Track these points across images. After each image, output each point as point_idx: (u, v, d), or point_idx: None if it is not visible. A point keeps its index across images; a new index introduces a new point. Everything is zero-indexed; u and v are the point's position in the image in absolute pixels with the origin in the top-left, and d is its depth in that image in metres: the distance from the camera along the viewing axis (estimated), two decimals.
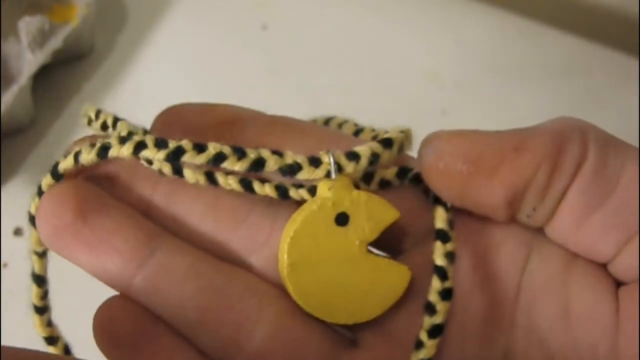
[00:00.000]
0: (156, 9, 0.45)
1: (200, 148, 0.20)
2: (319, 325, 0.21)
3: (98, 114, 0.22)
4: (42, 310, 0.23)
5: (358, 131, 0.25)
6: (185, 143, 0.20)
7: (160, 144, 0.20)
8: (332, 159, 0.20)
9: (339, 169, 0.20)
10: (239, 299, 0.20)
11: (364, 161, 0.20)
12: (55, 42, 0.39)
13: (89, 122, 0.22)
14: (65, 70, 0.42)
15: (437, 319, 0.20)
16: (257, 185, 0.21)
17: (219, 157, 0.20)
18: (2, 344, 0.35)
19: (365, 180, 0.21)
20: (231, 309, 0.20)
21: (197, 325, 0.20)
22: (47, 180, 0.21)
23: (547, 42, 0.44)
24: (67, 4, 0.42)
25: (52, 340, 0.23)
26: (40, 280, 0.23)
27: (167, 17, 0.45)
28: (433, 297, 0.20)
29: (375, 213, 0.21)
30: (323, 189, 0.21)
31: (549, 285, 0.21)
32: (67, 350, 0.24)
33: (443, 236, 0.20)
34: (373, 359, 0.21)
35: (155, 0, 0.46)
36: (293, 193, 0.21)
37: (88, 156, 0.20)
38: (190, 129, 0.22)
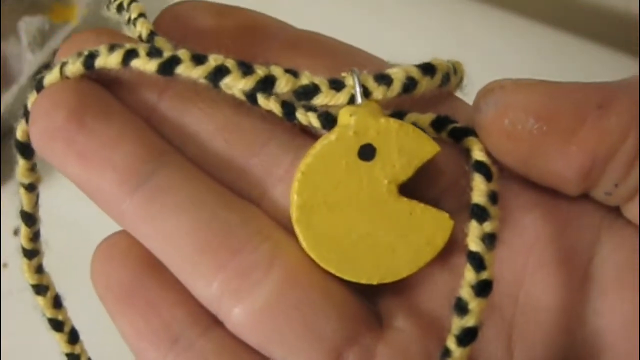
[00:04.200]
0: (156, 9, 0.45)
1: (199, 59, 0.17)
2: (339, 290, 0.18)
3: None
4: (31, 253, 0.21)
5: None
6: (182, 53, 0.17)
7: (153, 52, 0.17)
8: (357, 81, 0.17)
9: (366, 93, 0.17)
10: (247, 241, 0.17)
11: (396, 85, 0.17)
12: (55, 42, 0.40)
13: (108, 4, 0.20)
14: None
15: (470, 321, 0.16)
16: (261, 98, 0.17)
17: (220, 71, 0.17)
18: (2, 344, 0.35)
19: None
20: (236, 253, 0.17)
21: (193, 269, 0.17)
22: (32, 99, 0.18)
23: (547, 42, 0.44)
24: (67, 4, 0.42)
25: (41, 288, 0.21)
26: (29, 218, 0.20)
27: None
28: (466, 292, 0.16)
29: (408, 146, 0.17)
30: (344, 115, 0.17)
31: (623, 279, 0.17)
32: (57, 301, 0.21)
33: (480, 214, 0.16)
34: (399, 347, 0.17)
35: (156, 1, 0.46)
36: (300, 114, 0.17)
37: (74, 67, 0.17)
38: (201, 32, 0.18)
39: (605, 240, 0.17)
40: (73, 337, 0.21)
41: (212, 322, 0.18)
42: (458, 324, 0.16)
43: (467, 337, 0.16)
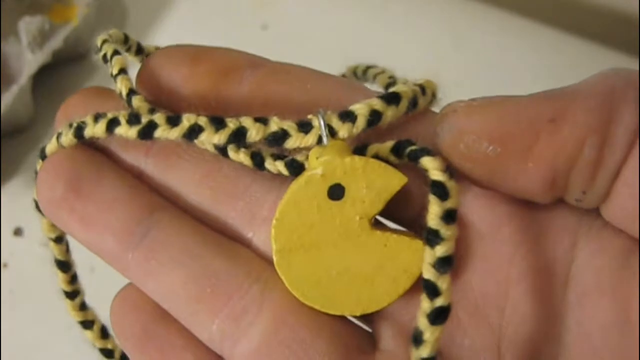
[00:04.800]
0: (156, 9, 0.45)
1: (173, 121, 0.18)
2: (328, 321, 0.18)
3: (103, 43, 0.20)
4: (72, 294, 0.22)
5: (390, 84, 0.22)
6: (158, 117, 0.18)
7: (132, 119, 0.18)
8: (322, 122, 0.17)
9: (332, 133, 0.17)
10: (237, 286, 0.18)
11: (360, 122, 0.17)
12: (55, 42, 0.40)
13: (96, 51, 0.21)
14: (65, 70, 0.42)
15: (424, 351, 0.17)
16: (231, 151, 0.18)
17: (195, 130, 0.18)
18: (2, 344, 0.35)
19: (356, 155, 0.18)
20: (229, 298, 0.18)
21: (193, 317, 0.18)
22: (39, 167, 0.20)
23: (547, 42, 0.44)
24: (67, 4, 0.42)
25: (87, 324, 0.22)
26: (63, 265, 0.21)
27: (167, 17, 0.45)
28: (421, 322, 0.17)
29: (375, 181, 0.17)
30: (313, 158, 0.17)
31: (602, 284, 0.17)
32: (104, 332, 0.22)
33: (432, 238, 0.17)
34: None
35: (156, 0, 0.46)
36: (269, 164, 0.18)
37: (67, 138, 0.19)
38: (180, 78, 0.19)
39: (584, 244, 0.17)
40: None
41: None
42: (415, 355, 0.17)
43: None
